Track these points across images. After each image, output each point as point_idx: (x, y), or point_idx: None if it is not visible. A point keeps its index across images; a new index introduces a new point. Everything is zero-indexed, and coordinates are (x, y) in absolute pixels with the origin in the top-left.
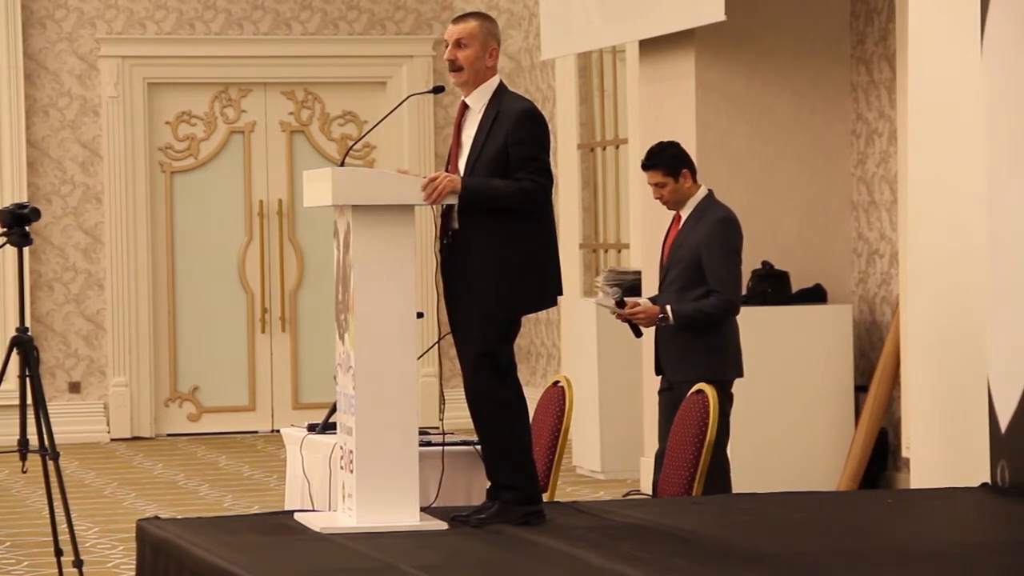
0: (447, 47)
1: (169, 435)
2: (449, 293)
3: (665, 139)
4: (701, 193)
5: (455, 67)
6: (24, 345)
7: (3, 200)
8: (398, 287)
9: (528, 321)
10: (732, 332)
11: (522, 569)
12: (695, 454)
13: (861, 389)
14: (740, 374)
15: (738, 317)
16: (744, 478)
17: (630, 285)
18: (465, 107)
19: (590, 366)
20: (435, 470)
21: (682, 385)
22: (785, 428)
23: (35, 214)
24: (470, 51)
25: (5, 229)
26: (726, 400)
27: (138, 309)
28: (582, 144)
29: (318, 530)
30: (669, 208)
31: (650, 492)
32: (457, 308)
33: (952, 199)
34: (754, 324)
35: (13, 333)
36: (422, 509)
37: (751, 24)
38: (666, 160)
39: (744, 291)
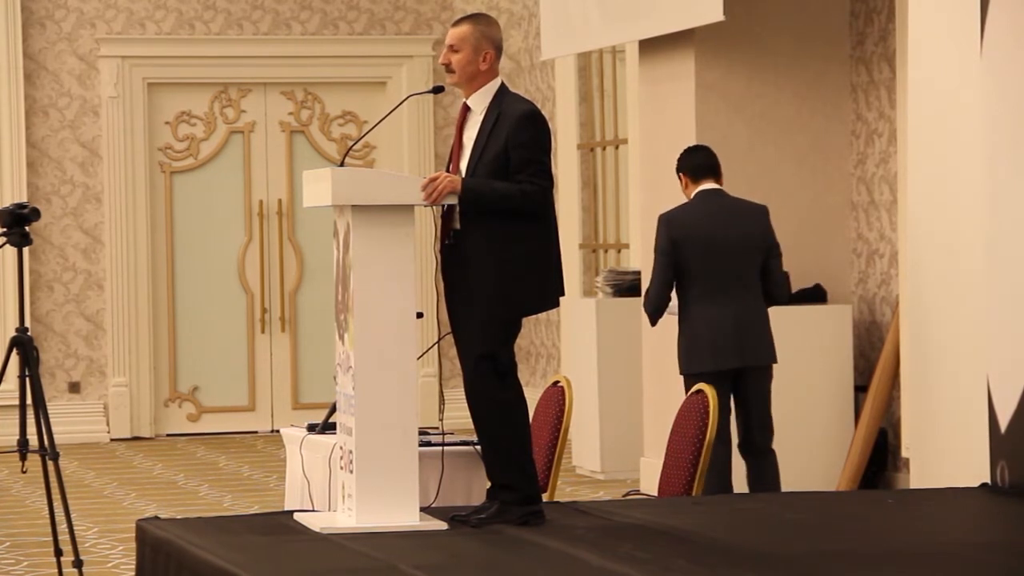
0: (444, 50)
1: (169, 435)
2: (450, 294)
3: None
4: (693, 195)
5: (448, 71)
6: (24, 345)
7: (3, 200)
8: (398, 287)
9: (528, 321)
10: (688, 327)
11: (522, 569)
12: (695, 454)
13: (861, 389)
14: (690, 370)
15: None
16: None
17: (629, 285)
18: (467, 109)
19: (590, 366)
20: (435, 470)
21: None
22: (785, 428)
23: (35, 214)
24: (461, 55)
25: (5, 229)
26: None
27: (138, 309)
28: (582, 144)
29: (318, 530)
30: None
31: (656, 492)
32: (457, 309)
33: (952, 199)
34: None
35: (13, 333)
36: (422, 509)
37: (751, 24)
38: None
39: None
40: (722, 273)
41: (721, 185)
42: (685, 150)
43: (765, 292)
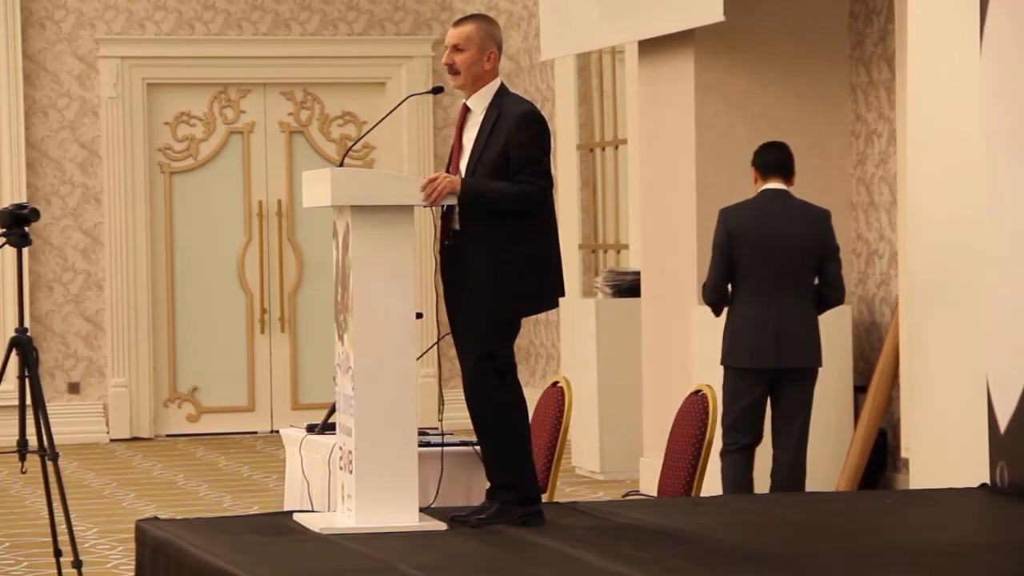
0: (446, 51)
1: (168, 436)
2: (449, 294)
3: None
4: (758, 191)
5: (452, 71)
6: (23, 346)
7: (2, 201)
8: (397, 288)
9: (528, 321)
10: (732, 321)
11: (521, 569)
12: (694, 454)
13: (860, 390)
14: (728, 362)
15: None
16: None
17: (629, 285)
18: (466, 109)
19: (589, 367)
20: (434, 470)
21: None
22: None
23: (34, 215)
24: (467, 55)
25: (4, 230)
26: (725, 387)
27: (137, 310)
28: (581, 145)
29: (317, 531)
30: None
31: (655, 492)
32: (457, 309)
33: (951, 199)
34: None
35: (12, 334)
36: (421, 509)
37: (750, 25)
38: None
39: None
40: (770, 273)
41: (790, 185)
42: (762, 145)
43: (819, 295)
